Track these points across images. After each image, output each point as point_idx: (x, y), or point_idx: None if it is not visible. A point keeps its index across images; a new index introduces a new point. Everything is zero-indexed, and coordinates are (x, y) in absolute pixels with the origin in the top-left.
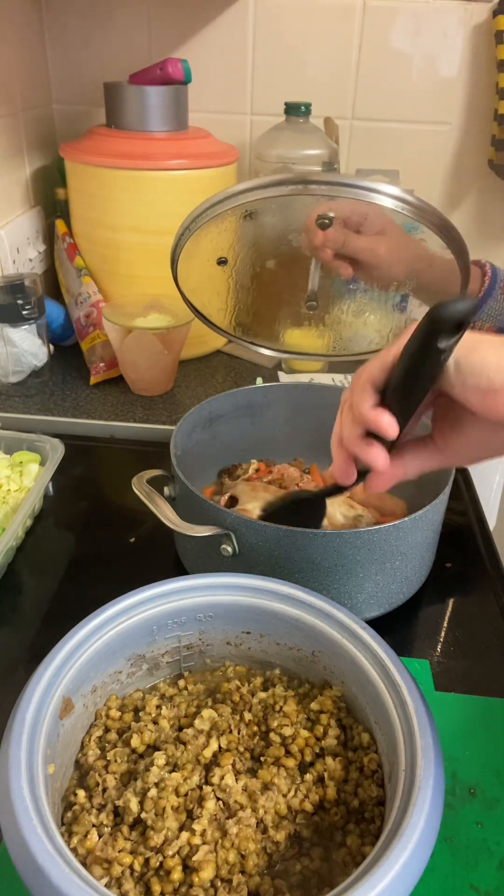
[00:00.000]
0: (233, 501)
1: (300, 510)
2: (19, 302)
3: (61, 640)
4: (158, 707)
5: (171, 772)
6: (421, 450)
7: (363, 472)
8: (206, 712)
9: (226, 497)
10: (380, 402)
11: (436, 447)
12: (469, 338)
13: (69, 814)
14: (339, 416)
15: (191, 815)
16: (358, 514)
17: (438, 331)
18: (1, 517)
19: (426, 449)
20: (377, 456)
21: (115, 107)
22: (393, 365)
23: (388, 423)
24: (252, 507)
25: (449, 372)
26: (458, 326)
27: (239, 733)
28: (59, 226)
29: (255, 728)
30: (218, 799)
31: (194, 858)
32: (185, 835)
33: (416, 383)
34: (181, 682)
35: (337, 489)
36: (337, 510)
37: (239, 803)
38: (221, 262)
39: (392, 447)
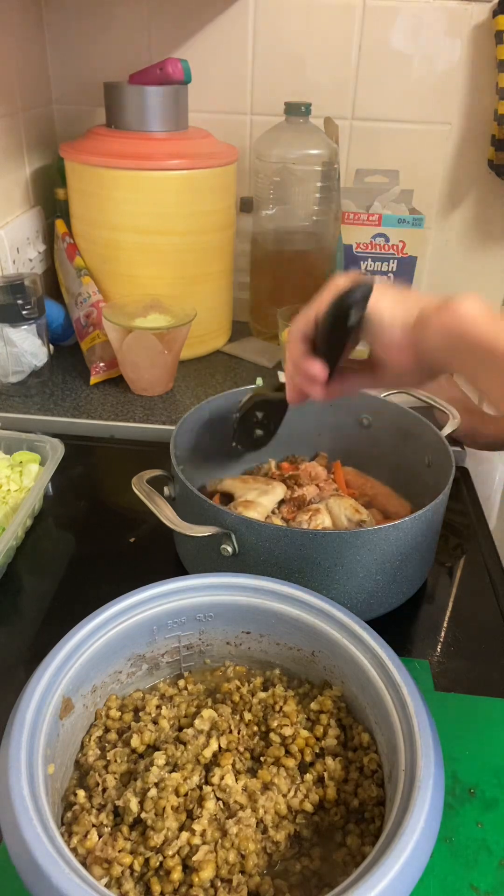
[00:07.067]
0: (227, 499)
1: (265, 413)
2: (19, 302)
3: (61, 640)
4: (158, 707)
5: (171, 772)
6: (360, 374)
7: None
8: (206, 712)
9: (216, 497)
10: (313, 348)
11: (371, 370)
12: (373, 307)
13: (69, 814)
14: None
15: (191, 815)
16: (362, 518)
17: (347, 314)
18: (1, 517)
19: (364, 371)
20: (315, 393)
21: (115, 107)
22: (317, 320)
23: (317, 371)
24: (253, 497)
25: (362, 331)
26: (364, 302)
27: (239, 733)
28: (59, 226)
29: (255, 728)
30: (218, 799)
31: (194, 858)
32: (185, 835)
33: (336, 342)
34: (181, 682)
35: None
36: (342, 513)
37: (239, 803)
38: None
39: (331, 374)
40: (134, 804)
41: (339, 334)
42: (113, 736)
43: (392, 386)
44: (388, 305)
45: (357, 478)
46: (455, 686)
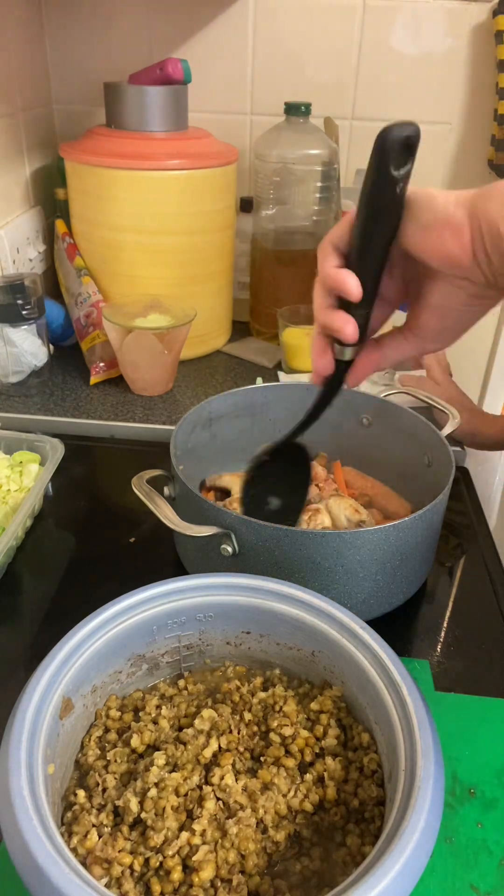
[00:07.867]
0: (223, 494)
1: (285, 469)
2: (19, 302)
3: (61, 640)
4: (158, 707)
5: (171, 772)
6: (397, 338)
7: (343, 369)
8: (206, 712)
9: (211, 493)
10: (345, 266)
11: (410, 332)
12: (420, 188)
13: (69, 814)
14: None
15: (191, 815)
16: (362, 518)
17: (389, 154)
18: (1, 517)
19: (402, 336)
20: (345, 322)
21: (115, 107)
22: (353, 224)
23: (351, 282)
24: None
25: (403, 219)
26: (408, 150)
27: (239, 733)
28: (59, 226)
29: (255, 728)
30: (218, 799)
31: (194, 858)
32: (185, 835)
33: (377, 225)
34: (181, 682)
35: (306, 423)
36: (342, 513)
37: (239, 803)
38: None
39: (365, 325)
40: (134, 804)
41: (381, 199)
42: (113, 736)
43: (438, 338)
44: (435, 188)
45: (357, 478)
46: (455, 686)
